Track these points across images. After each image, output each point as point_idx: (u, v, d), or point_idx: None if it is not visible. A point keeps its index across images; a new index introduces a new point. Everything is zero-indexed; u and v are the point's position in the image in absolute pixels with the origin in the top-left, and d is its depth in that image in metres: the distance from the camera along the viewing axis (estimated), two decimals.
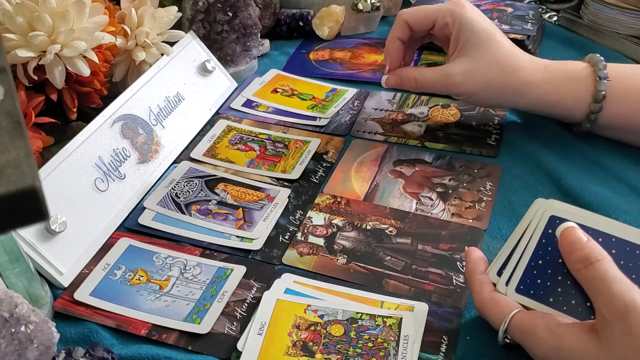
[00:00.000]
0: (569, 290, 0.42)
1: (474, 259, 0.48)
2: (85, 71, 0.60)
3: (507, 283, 0.45)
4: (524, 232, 0.45)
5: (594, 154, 0.64)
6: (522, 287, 0.44)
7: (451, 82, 0.62)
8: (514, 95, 0.62)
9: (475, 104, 0.70)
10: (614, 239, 0.42)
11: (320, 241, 0.56)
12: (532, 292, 0.44)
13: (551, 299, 0.43)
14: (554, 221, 0.44)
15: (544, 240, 0.44)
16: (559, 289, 0.43)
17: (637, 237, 0.42)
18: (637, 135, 0.62)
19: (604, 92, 0.60)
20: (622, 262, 0.41)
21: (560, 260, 0.43)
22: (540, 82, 0.62)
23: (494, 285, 0.46)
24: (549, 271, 0.44)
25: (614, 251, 0.42)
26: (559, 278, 0.43)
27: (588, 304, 0.41)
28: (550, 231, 0.44)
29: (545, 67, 0.62)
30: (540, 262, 0.44)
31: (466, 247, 0.50)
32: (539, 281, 0.44)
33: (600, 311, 0.39)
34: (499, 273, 0.46)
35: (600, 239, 0.42)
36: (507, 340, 0.45)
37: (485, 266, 0.47)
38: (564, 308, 0.42)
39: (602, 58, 0.61)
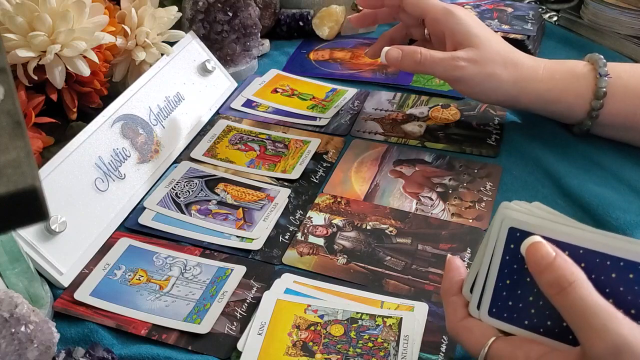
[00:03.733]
0: (543, 312, 0.39)
1: (451, 275, 0.43)
2: (85, 71, 0.60)
3: (478, 307, 0.41)
4: (487, 245, 0.40)
5: (594, 154, 0.64)
6: (494, 310, 0.40)
7: (456, 64, 0.61)
8: (515, 90, 0.62)
9: (477, 99, 0.68)
10: (581, 251, 0.38)
11: (320, 241, 0.56)
12: (505, 315, 0.40)
13: (526, 322, 0.39)
14: (514, 234, 0.39)
15: (507, 257, 0.40)
16: (532, 311, 0.39)
17: (605, 247, 0.37)
18: (638, 134, 0.62)
19: (604, 89, 0.60)
20: (593, 276, 0.37)
21: (528, 279, 0.39)
22: (542, 78, 0.62)
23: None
24: (519, 292, 0.39)
25: (583, 265, 0.37)
26: (530, 299, 0.39)
27: (564, 324, 0.37)
28: (512, 246, 0.39)
29: (545, 65, 0.62)
30: (507, 281, 0.40)
31: (449, 255, 0.45)
32: (510, 303, 0.40)
33: (585, 348, 0.35)
34: (472, 290, 0.41)
35: (566, 252, 0.38)
36: None
37: (462, 284, 0.43)
38: (541, 330, 0.39)
39: (601, 56, 0.62)
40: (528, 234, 0.39)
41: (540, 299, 0.38)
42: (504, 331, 0.40)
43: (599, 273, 0.37)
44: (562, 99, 0.62)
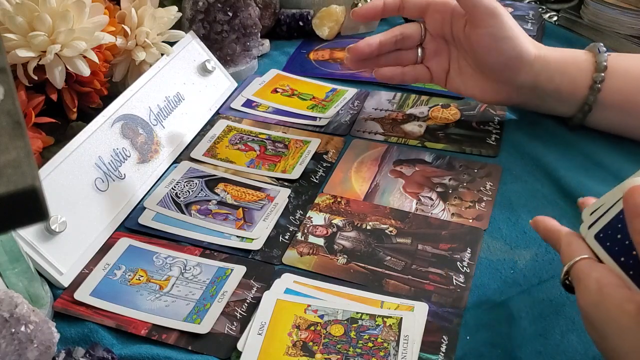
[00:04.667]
0: None
1: (542, 219, 0.46)
2: (85, 71, 0.60)
3: (591, 225, 0.42)
4: (631, 179, 0.40)
5: (594, 153, 0.64)
6: (601, 235, 0.41)
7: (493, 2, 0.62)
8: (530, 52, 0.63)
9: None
10: None
11: (320, 241, 0.56)
12: (608, 244, 0.40)
13: (622, 259, 0.39)
14: None
15: None
16: (634, 252, 0.39)
17: None
18: (637, 119, 0.62)
19: (605, 64, 0.61)
20: None
21: None
22: (545, 54, 0.63)
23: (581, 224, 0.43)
24: None
25: None
26: None
27: None
28: None
29: (545, 47, 0.64)
30: None
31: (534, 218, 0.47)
32: (619, 236, 0.40)
33: None
34: (592, 213, 0.42)
35: None
36: (567, 282, 0.42)
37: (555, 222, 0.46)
38: (631, 273, 0.39)
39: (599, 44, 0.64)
40: None
41: None
42: (599, 258, 0.41)
43: None
44: (567, 71, 0.63)
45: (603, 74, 0.61)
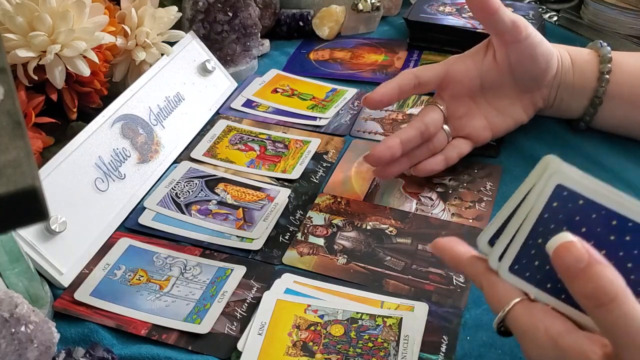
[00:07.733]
0: None
1: (450, 250, 0.40)
2: (85, 71, 0.60)
3: (500, 258, 0.37)
4: (525, 197, 0.36)
5: (594, 154, 0.64)
6: (516, 266, 0.37)
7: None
8: (551, 48, 0.62)
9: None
10: (630, 224, 0.34)
11: (321, 241, 0.56)
12: (528, 274, 0.37)
13: (549, 285, 0.36)
14: (561, 193, 0.35)
15: (546, 215, 0.36)
16: (559, 276, 0.35)
17: None
18: None
19: (610, 55, 0.62)
20: (635, 252, 0.34)
21: None
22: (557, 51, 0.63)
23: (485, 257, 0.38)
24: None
25: (627, 238, 0.34)
26: None
27: None
28: (555, 204, 0.35)
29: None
30: (539, 240, 0.36)
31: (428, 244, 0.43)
32: (536, 263, 0.37)
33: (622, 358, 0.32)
34: (492, 242, 0.38)
35: (614, 222, 0.34)
36: (502, 329, 0.38)
37: (465, 247, 0.40)
38: (562, 296, 0.36)
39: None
40: (575, 194, 0.35)
41: None
42: (523, 290, 0.37)
43: None
44: (575, 63, 0.63)
45: (610, 65, 0.62)
